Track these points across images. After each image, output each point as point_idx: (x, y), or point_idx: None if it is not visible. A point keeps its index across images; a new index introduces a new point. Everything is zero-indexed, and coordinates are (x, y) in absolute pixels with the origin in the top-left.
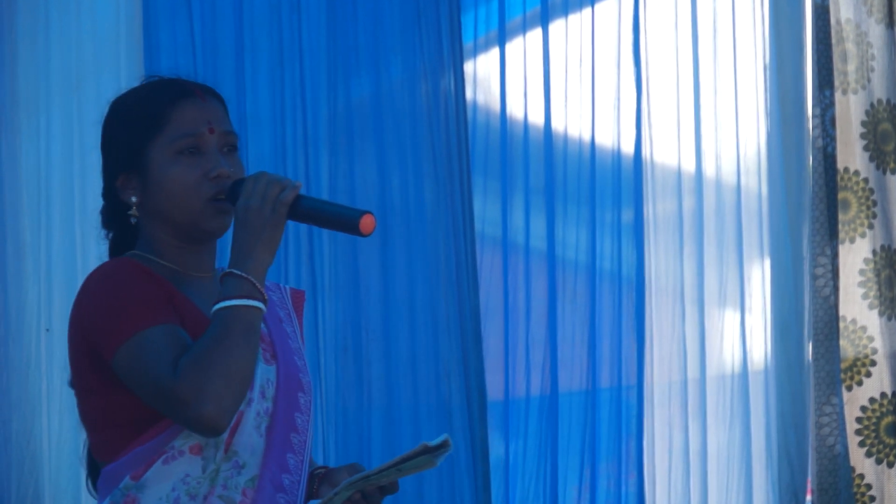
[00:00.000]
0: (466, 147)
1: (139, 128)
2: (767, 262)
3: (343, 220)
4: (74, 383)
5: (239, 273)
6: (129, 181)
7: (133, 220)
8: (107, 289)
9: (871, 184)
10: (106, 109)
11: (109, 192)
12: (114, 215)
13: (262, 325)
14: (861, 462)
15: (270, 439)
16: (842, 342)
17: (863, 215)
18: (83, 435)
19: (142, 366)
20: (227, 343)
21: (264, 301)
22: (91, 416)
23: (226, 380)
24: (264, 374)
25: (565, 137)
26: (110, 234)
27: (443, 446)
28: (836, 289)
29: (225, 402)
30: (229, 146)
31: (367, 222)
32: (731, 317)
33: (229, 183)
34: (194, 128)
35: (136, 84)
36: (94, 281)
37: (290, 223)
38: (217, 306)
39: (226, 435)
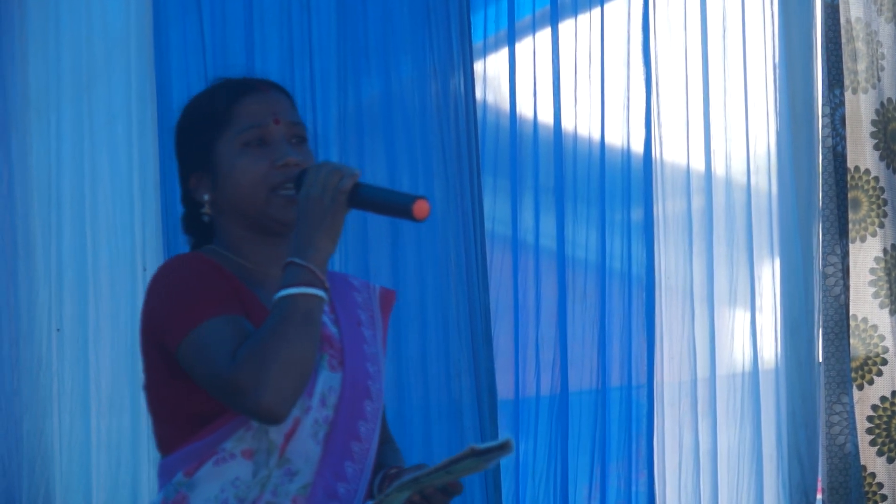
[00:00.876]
0: (476, 146)
1: (206, 126)
2: (778, 261)
3: (397, 206)
4: (145, 377)
5: (299, 262)
6: (200, 180)
7: (206, 218)
8: (173, 281)
9: (882, 182)
10: (178, 117)
11: (185, 196)
12: (191, 219)
13: (335, 330)
14: (872, 460)
15: (328, 447)
16: (852, 341)
17: (873, 214)
18: (94, 435)
19: (203, 356)
20: (285, 331)
21: (325, 289)
22: (155, 408)
23: (283, 368)
24: (327, 381)
25: (575, 137)
26: (191, 240)
27: (499, 448)
28: (846, 288)
29: (283, 391)
30: (297, 137)
31: (420, 207)
32: (741, 316)
33: (297, 172)
34: (259, 120)
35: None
36: (161, 274)
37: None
38: (277, 295)
39: (280, 441)
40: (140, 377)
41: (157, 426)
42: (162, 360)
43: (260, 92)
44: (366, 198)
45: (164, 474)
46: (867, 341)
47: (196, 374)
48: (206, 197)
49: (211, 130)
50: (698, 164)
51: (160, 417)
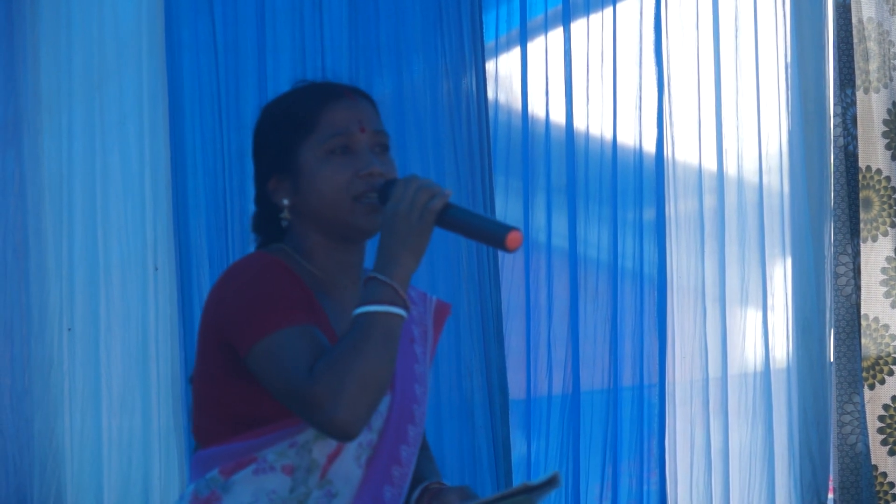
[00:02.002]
0: (488, 146)
1: (290, 130)
2: (789, 261)
3: (490, 235)
4: (196, 370)
5: (382, 278)
6: (280, 184)
7: (284, 223)
8: (248, 283)
9: (894, 182)
10: (258, 118)
11: (261, 197)
12: (265, 220)
13: None
14: (883, 460)
15: (369, 471)
16: (864, 340)
17: (885, 214)
18: (105, 434)
19: (278, 365)
20: (365, 349)
21: (406, 308)
22: (201, 401)
23: (361, 386)
24: None
25: (587, 136)
26: (258, 239)
27: (548, 484)
28: (858, 287)
29: (359, 409)
30: (381, 146)
31: (513, 238)
32: (752, 315)
33: (381, 182)
34: (345, 127)
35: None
36: (235, 273)
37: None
38: (357, 311)
39: (323, 461)
40: (151, 376)
41: (199, 417)
42: (223, 357)
43: (346, 98)
44: (455, 220)
45: (199, 467)
46: (879, 341)
47: (268, 381)
48: (285, 201)
49: (295, 135)
50: (710, 164)
51: (204, 411)
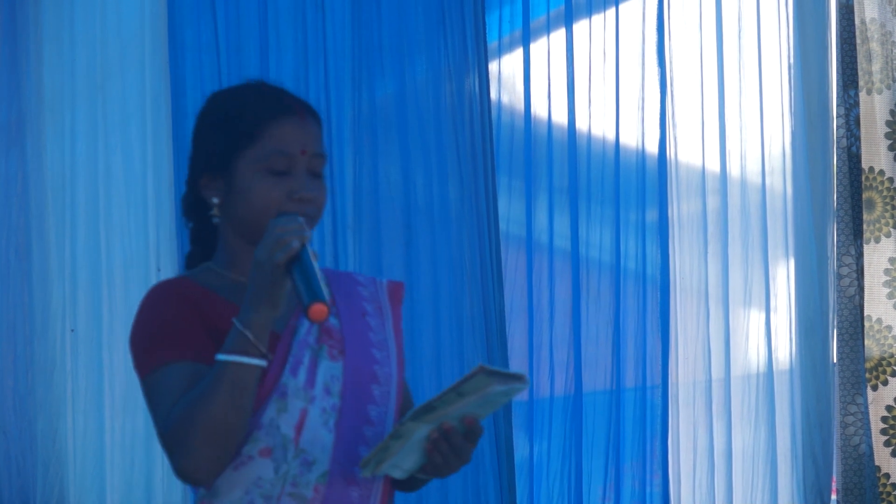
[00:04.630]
0: (491, 147)
1: (234, 135)
2: (792, 262)
3: (301, 297)
4: None
5: (239, 327)
6: (213, 182)
7: (215, 220)
8: (147, 315)
9: None
10: (204, 105)
11: (192, 186)
12: (194, 209)
13: (334, 320)
14: (886, 461)
15: (339, 433)
16: (867, 342)
17: (888, 215)
18: (108, 435)
19: (151, 404)
20: (213, 399)
21: (263, 356)
22: None
23: (205, 436)
24: (328, 370)
25: (589, 137)
26: (190, 225)
27: (512, 377)
28: (861, 288)
29: (201, 458)
30: (317, 169)
31: (316, 310)
32: (755, 316)
33: (313, 207)
34: (288, 148)
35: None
36: (143, 303)
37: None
38: (217, 356)
39: (292, 434)
40: None
41: None
42: None
43: (295, 116)
44: (291, 275)
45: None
46: (882, 342)
47: (150, 415)
48: (215, 200)
49: (236, 142)
50: (713, 165)
51: None
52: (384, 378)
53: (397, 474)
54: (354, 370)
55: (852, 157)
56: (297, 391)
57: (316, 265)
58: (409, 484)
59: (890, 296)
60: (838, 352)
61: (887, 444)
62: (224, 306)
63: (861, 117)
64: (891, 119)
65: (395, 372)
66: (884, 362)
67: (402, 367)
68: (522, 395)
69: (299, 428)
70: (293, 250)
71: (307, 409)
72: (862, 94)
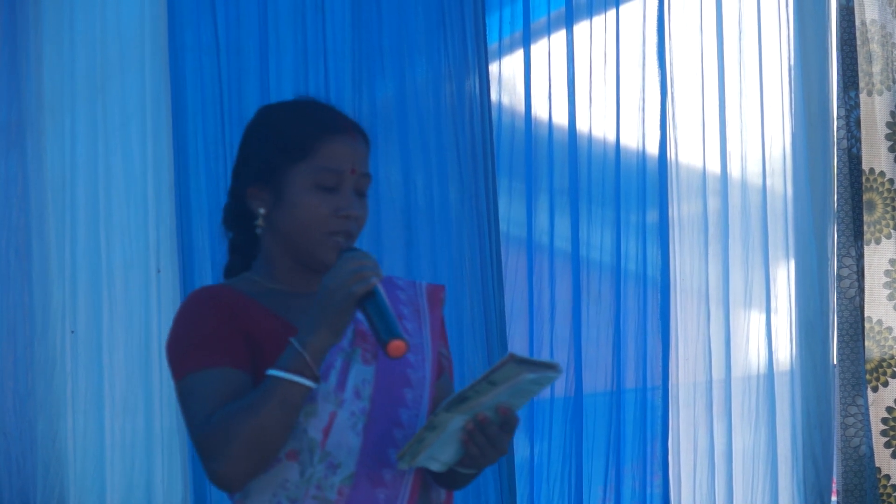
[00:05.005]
0: (491, 148)
1: (286, 149)
2: (793, 263)
3: (378, 334)
4: None
5: (297, 347)
6: (260, 193)
7: (258, 230)
8: (177, 322)
9: None
10: (254, 118)
11: (237, 196)
12: (236, 218)
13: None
14: (887, 463)
15: (368, 437)
16: (867, 343)
17: (888, 216)
18: (108, 436)
19: (185, 406)
20: (261, 412)
21: (314, 379)
22: None
23: (247, 447)
24: (360, 374)
25: (590, 138)
26: (230, 235)
27: (543, 366)
28: (861, 290)
29: (239, 467)
30: (362, 189)
31: (394, 346)
32: (756, 318)
33: (356, 225)
34: (339, 165)
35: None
36: (181, 308)
37: None
38: (268, 371)
39: (320, 437)
40: (154, 378)
41: None
42: None
43: (347, 135)
44: (366, 311)
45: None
46: (882, 343)
47: (182, 417)
48: (261, 211)
49: (288, 155)
50: (713, 166)
51: None
52: (417, 381)
53: (435, 467)
54: (386, 374)
55: (853, 159)
56: (326, 394)
57: (387, 301)
58: (453, 479)
59: (890, 297)
60: (839, 353)
61: (888, 445)
62: (263, 314)
63: (861, 119)
64: (891, 120)
65: (429, 375)
66: (884, 364)
67: (438, 370)
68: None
69: (327, 431)
70: (370, 285)
71: (336, 412)
72: (862, 96)
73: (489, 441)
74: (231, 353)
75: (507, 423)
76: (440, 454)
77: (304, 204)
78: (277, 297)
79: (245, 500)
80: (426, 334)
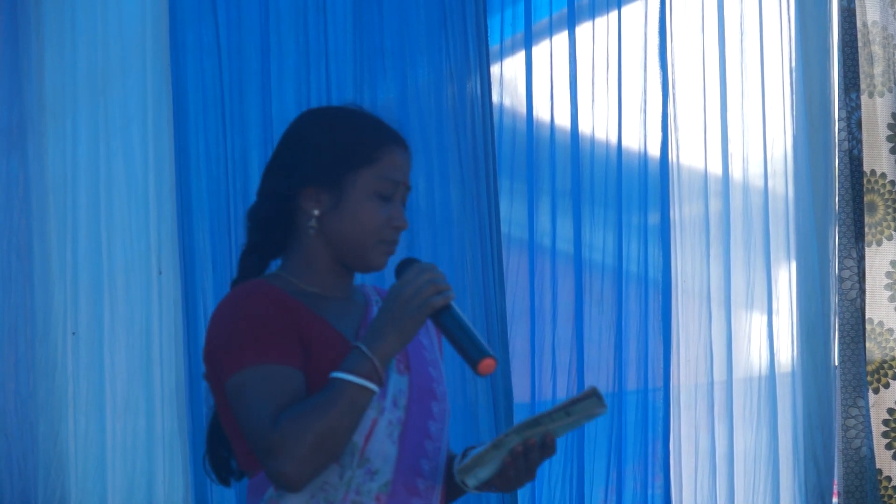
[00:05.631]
0: (493, 149)
1: (352, 154)
2: (794, 265)
3: (466, 352)
4: (214, 401)
5: (365, 351)
6: (318, 196)
7: (311, 231)
8: (234, 314)
9: None
10: (306, 120)
11: (280, 194)
12: (274, 219)
13: None
14: (888, 464)
15: (403, 446)
16: (868, 344)
17: (889, 218)
18: (109, 437)
19: (245, 401)
20: (329, 413)
21: (380, 384)
22: (230, 429)
23: (315, 448)
24: (396, 384)
25: (592, 140)
26: (256, 235)
27: (601, 404)
28: (862, 291)
29: (307, 467)
30: (405, 200)
31: (486, 365)
32: (757, 319)
33: (398, 235)
34: (399, 175)
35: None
36: (226, 305)
37: None
38: (335, 374)
39: (361, 442)
40: (155, 380)
41: (237, 445)
42: (221, 388)
43: (403, 147)
44: (445, 325)
45: (255, 493)
46: (883, 345)
47: (236, 415)
48: (315, 212)
49: (354, 160)
50: (715, 168)
51: (237, 438)
52: (441, 395)
53: (472, 482)
54: (418, 386)
55: (854, 160)
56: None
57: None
58: (455, 493)
59: (891, 298)
60: (840, 355)
61: (888, 446)
62: (311, 315)
63: (863, 120)
64: (892, 122)
65: (446, 389)
66: (885, 365)
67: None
68: (524, 398)
69: (367, 437)
70: (448, 298)
71: (377, 419)
72: (864, 97)
73: (528, 465)
74: (290, 352)
75: (546, 449)
76: (481, 472)
77: (363, 209)
78: (315, 299)
79: (281, 500)
80: (437, 350)
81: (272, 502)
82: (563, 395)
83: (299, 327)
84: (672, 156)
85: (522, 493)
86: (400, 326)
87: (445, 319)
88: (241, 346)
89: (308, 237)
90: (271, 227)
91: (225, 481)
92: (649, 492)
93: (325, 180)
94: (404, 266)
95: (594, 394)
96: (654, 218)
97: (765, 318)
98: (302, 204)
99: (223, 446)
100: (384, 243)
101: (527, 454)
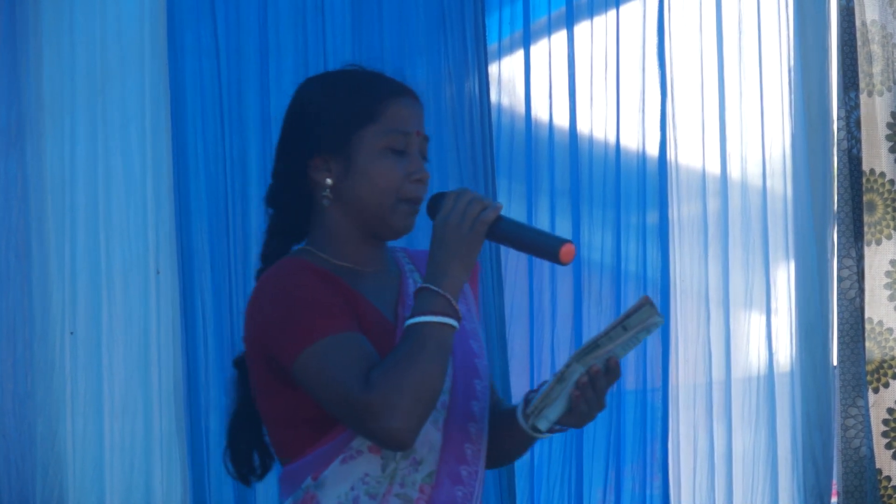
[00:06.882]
0: (491, 149)
1: (353, 114)
2: (793, 265)
3: (542, 248)
4: (255, 388)
5: (435, 289)
6: (327, 164)
7: (326, 202)
8: (285, 292)
9: None
10: (304, 90)
11: (291, 171)
12: (288, 196)
13: None
14: (887, 464)
15: (448, 433)
16: (868, 344)
17: (888, 217)
18: (107, 437)
19: (327, 374)
20: (420, 360)
21: (458, 318)
22: (272, 415)
23: (416, 396)
24: None
25: (590, 140)
26: (274, 217)
27: (658, 315)
28: (861, 291)
29: (413, 419)
30: (424, 151)
31: (567, 251)
32: (756, 319)
33: (425, 189)
34: (407, 126)
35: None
36: (268, 283)
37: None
38: (411, 321)
39: None
40: (153, 380)
41: (276, 431)
42: (269, 371)
43: (409, 97)
44: (507, 233)
45: (291, 481)
46: (883, 344)
47: (316, 390)
48: (328, 181)
49: (356, 119)
50: (713, 167)
51: (279, 423)
52: (483, 372)
53: (543, 425)
54: (462, 365)
55: (853, 160)
56: None
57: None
58: (508, 452)
59: (891, 298)
60: (839, 354)
61: (888, 446)
62: (348, 289)
63: (862, 119)
64: (891, 121)
65: (488, 363)
66: (884, 365)
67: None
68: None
69: None
70: (498, 208)
71: None
72: (863, 97)
73: (597, 394)
74: (351, 319)
75: (612, 372)
76: (550, 412)
77: (377, 168)
78: (349, 273)
79: (320, 490)
80: (475, 316)
81: (310, 491)
82: None
83: (349, 301)
84: (670, 155)
85: (521, 492)
86: (459, 255)
87: (504, 228)
88: (302, 322)
89: (326, 210)
90: (289, 207)
91: (245, 479)
92: (648, 492)
93: (331, 147)
94: (436, 200)
95: (647, 302)
96: (652, 217)
97: (764, 317)
98: (313, 176)
99: (246, 441)
100: (405, 202)
101: (593, 383)
